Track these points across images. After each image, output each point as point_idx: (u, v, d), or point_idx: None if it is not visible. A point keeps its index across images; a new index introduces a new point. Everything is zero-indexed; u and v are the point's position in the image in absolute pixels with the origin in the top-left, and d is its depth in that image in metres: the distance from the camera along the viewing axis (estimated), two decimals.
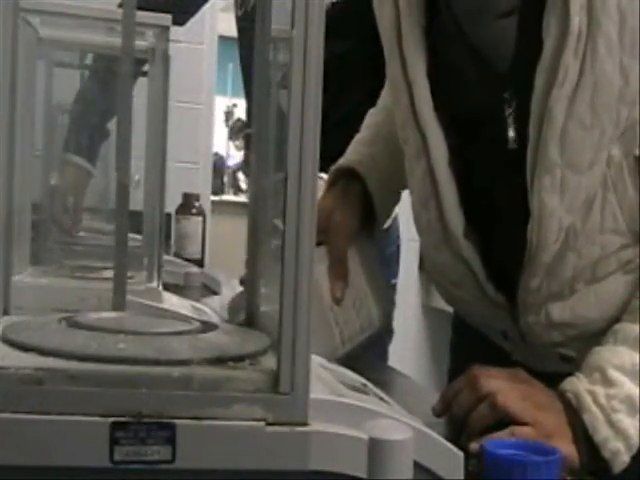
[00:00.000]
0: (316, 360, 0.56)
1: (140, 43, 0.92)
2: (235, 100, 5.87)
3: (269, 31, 0.59)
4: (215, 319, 0.88)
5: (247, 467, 0.44)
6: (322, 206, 0.93)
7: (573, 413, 0.77)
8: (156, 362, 0.46)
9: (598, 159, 0.79)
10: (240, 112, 5.95)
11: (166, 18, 0.92)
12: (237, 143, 5.91)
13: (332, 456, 0.45)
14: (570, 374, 0.81)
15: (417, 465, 0.47)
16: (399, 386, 1.08)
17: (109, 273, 0.66)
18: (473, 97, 0.87)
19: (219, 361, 0.47)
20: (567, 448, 0.75)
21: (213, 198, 3.33)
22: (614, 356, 0.79)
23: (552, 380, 0.83)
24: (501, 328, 0.94)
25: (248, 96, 1.68)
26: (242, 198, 5.37)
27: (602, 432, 0.76)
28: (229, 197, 5.51)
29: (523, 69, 0.80)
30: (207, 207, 2.64)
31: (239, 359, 0.48)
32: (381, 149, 1.04)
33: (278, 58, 0.58)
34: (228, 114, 6.01)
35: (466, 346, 1.11)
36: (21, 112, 0.68)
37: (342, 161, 1.02)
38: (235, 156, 6.01)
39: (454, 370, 1.12)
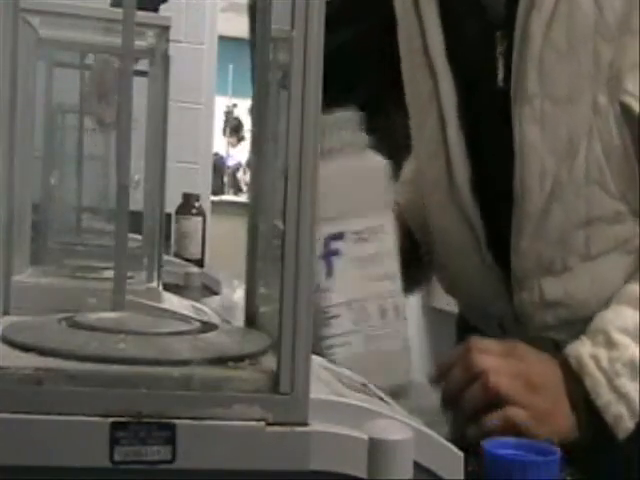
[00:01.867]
0: (316, 360, 0.56)
1: (140, 43, 0.92)
2: (235, 100, 5.87)
3: (269, 31, 0.59)
4: (215, 319, 0.88)
5: (247, 467, 0.44)
6: None
7: (574, 379, 0.76)
8: (156, 362, 0.46)
9: (577, 95, 0.80)
10: (240, 112, 5.95)
11: (166, 18, 0.92)
12: (231, 140, 5.92)
13: (332, 456, 0.45)
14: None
15: (417, 465, 0.47)
16: None
17: (109, 273, 0.66)
18: (471, 44, 0.89)
19: (219, 361, 0.47)
20: (563, 423, 0.74)
21: (213, 198, 3.34)
22: (617, 317, 0.79)
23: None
24: (498, 314, 0.94)
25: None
26: (242, 198, 5.38)
27: (604, 396, 0.75)
28: (229, 197, 5.53)
29: (513, 7, 0.82)
30: (207, 207, 2.64)
31: (239, 359, 0.48)
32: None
33: (278, 58, 0.58)
34: (228, 114, 6.01)
35: None
36: (21, 112, 0.68)
37: None
38: (235, 156, 6.01)
39: None
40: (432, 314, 3.17)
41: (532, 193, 0.83)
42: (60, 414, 0.43)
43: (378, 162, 0.79)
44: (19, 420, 0.42)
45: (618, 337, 0.77)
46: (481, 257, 0.91)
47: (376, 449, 0.46)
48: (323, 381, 0.52)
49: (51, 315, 0.56)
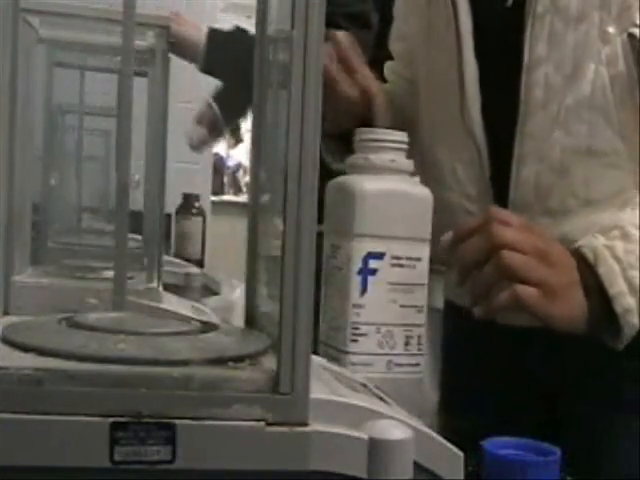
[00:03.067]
0: (316, 361, 0.56)
1: (140, 43, 0.92)
2: None
3: (269, 31, 0.59)
4: (215, 319, 0.88)
5: (247, 467, 0.44)
6: None
7: (588, 269, 0.75)
8: (156, 362, 0.46)
9: (586, 15, 0.83)
10: None
11: (166, 18, 0.92)
12: (229, 141, 5.92)
13: (332, 456, 0.45)
14: (546, 329, 0.81)
15: (417, 465, 0.47)
16: None
17: (109, 273, 0.66)
18: None
19: (219, 361, 0.47)
20: (575, 304, 0.74)
21: (213, 198, 3.34)
22: (633, 216, 0.79)
23: (526, 337, 0.86)
24: None
25: None
26: (242, 198, 5.37)
27: (618, 285, 0.74)
28: (229, 197, 5.52)
29: None
30: (207, 207, 2.64)
31: (239, 359, 0.48)
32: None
33: (278, 58, 0.58)
34: None
35: (455, 326, 1.10)
36: (21, 112, 0.68)
37: None
38: (235, 156, 6.01)
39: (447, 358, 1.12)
40: (432, 314, 3.17)
41: (536, 113, 0.85)
42: (60, 414, 0.43)
43: (426, 193, 0.79)
44: (19, 420, 0.42)
45: (635, 232, 0.77)
46: (485, 189, 0.90)
47: (376, 449, 0.46)
48: (323, 381, 0.52)
49: (51, 315, 0.56)
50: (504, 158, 0.89)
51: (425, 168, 0.95)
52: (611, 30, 0.82)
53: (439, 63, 0.95)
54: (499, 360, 0.97)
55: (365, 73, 0.91)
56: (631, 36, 0.82)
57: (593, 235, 0.79)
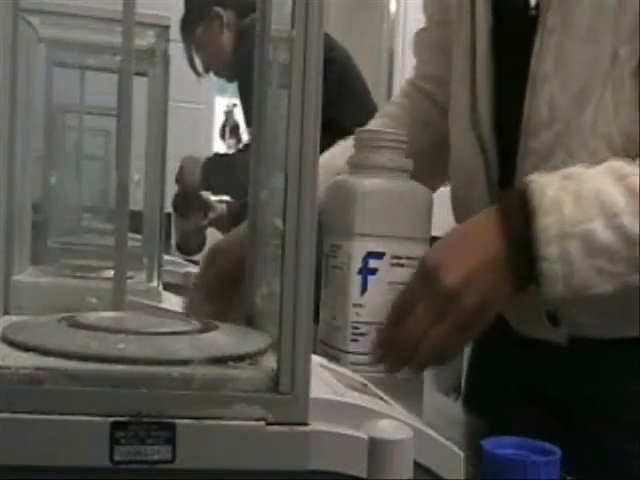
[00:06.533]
0: (316, 360, 0.56)
1: (140, 43, 0.92)
2: (235, 100, 5.87)
3: (269, 31, 0.59)
4: None
5: (247, 467, 0.44)
6: None
7: (523, 208, 0.71)
8: (156, 362, 0.46)
9: (597, 36, 0.79)
10: (238, 112, 5.95)
11: (166, 18, 0.92)
12: (230, 142, 5.93)
13: (332, 456, 0.45)
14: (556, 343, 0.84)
15: (417, 465, 0.47)
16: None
17: (109, 273, 0.66)
18: None
19: (219, 361, 0.47)
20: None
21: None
22: (597, 182, 0.73)
23: (540, 348, 0.86)
24: None
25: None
26: None
27: (550, 248, 0.70)
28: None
29: None
30: None
31: (239, 359, 0.48)
32: None
33: (278, 58, 0.58)
34: (228, 114, 6.01)
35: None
36: (21, 112, 0.68)
37: None
38: None
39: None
40: None
41: (539, 131, 0.82)
42: (60, 414, 0.43)
43: (426, 192, 0.79)
44: (19, 420, 0.42)
45: (589, 204, 0.71)
46: (491, 194, 0.89)
47: (376, 449, 0.46)
48: (323, 381, 0.52)
49: (51, 315, 0.56)
50: (511, 169, 0.87)
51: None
52: (622, 53, 0.78)
53: (456, 62, 0.94)
54: (516, 374, 0.96)
55: None
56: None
57: (550, 178, 0.74)
